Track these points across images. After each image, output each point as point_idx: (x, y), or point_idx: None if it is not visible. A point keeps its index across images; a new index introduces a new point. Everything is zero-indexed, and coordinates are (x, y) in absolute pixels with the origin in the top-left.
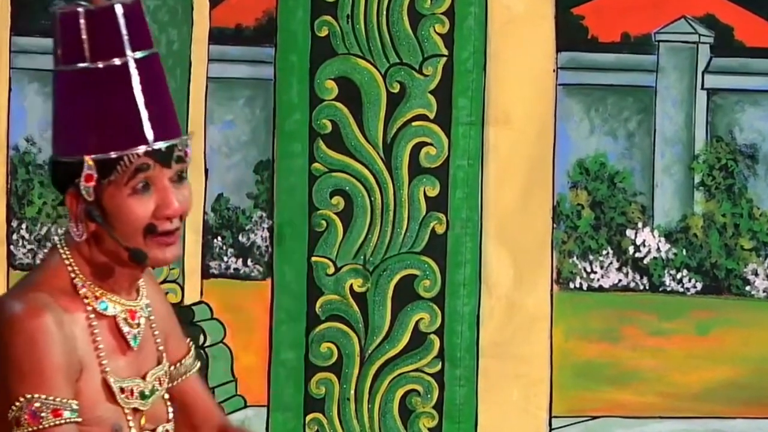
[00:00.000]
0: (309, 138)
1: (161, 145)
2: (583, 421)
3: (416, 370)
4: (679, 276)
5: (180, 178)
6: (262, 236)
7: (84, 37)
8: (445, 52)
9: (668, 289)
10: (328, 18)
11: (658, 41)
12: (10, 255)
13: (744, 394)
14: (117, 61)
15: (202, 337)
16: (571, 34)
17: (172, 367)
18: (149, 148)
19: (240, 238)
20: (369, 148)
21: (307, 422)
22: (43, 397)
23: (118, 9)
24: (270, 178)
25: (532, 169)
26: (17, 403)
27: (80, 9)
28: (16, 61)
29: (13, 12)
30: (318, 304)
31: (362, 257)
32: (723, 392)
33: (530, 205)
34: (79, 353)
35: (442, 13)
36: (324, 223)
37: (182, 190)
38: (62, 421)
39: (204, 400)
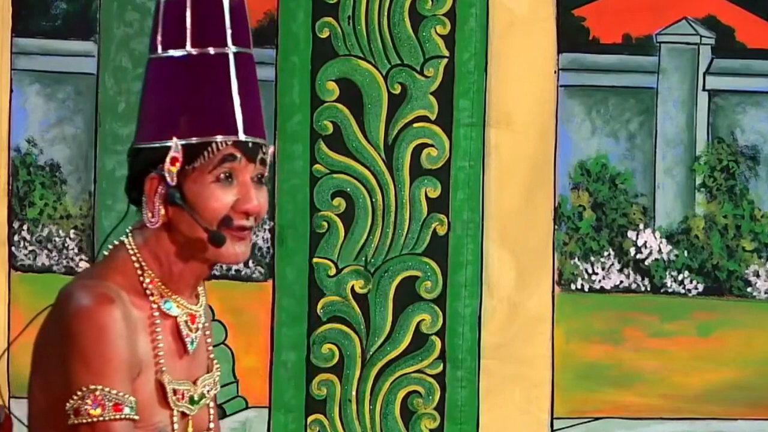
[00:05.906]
0: (310, 139)
1: (251, 139)
2: (584, 423)
3: (418, 371)
4: (680, 277)
5: (259, 181)
6: (263, 237)
7: (188, 24)
8: (447, 53)
9: (670, 290)
10: (330, 19)
11: (660, 43)
12: (12, 256)
13: (746, 395)
14: (218, 51)
15: None
16: (572, 36)
17: None
18: (239, 139)
19: None
20: (370, 150)
21: (308, 423)
22: (107, 389)
23: (225, 1)
24: (271, 179)
25: (533, 170)
26: (79, 393)
27: None
28: (17, 63)
29: (14, 13)
30: (319, 306)
31: (363, 258)
32: (725, 393)
33: (531, 206)
34: (140, 352)
35: (443, 15)
36: (325, 224)
37: (262, 192)
38: (122, 416)
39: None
